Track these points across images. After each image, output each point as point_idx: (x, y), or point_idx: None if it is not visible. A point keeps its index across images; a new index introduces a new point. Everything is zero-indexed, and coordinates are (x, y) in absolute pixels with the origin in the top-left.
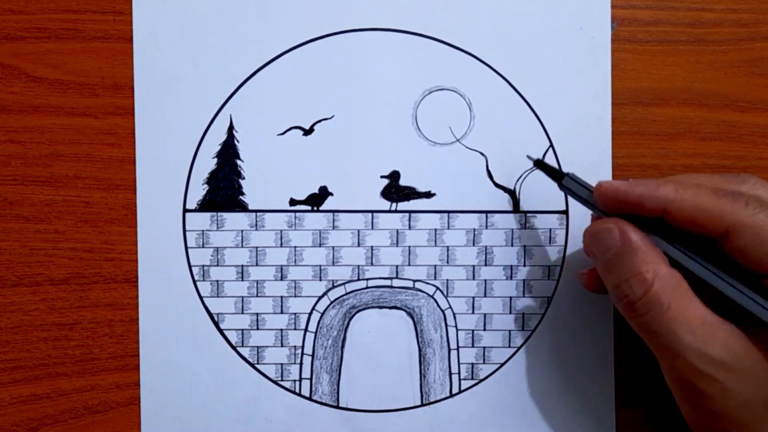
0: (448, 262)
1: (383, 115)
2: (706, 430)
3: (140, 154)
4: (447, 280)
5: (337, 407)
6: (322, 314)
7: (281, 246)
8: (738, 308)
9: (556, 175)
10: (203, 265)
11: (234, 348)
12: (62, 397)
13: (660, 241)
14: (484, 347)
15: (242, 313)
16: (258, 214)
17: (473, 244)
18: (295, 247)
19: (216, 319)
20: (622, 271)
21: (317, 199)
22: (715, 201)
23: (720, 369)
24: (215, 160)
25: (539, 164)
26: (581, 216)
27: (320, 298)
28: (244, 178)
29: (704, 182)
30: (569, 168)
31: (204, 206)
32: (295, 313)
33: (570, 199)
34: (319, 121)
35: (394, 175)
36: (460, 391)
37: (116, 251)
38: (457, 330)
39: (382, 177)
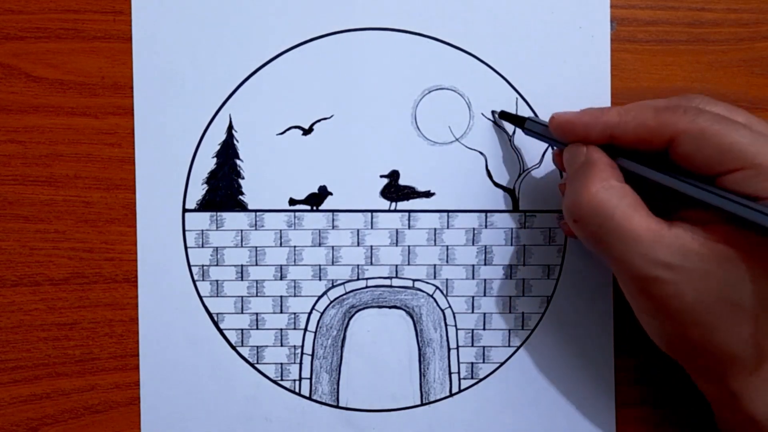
0: (447, 261)
1: (383, 115)
2: (666, 337)
3: (140, 153)
4: (446, 279)
5: (337, 407)
6: (322, 314)
7: (281, 246)
8: (689, 212)
9: (518, 120)
10: (203, 265)
11: (234, 348)
12: (62, 397)
13: (620, 160)
14: (484, 347)
15: (242, 312)
16: (257, 213)
17: (473, 244)
18: (295, 246)
19: (216, 318)
20: (576, 183)
21: (317, 199)
22: (656, 116)
23: (668, 271)
24: (215, 159)
25: (503, 115)
26: None
27: (320, 297)
28: (243, 178)
29: (647, 103)
30: None
31: (203, 206)
32: (294, 313)
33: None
34: (319, 120)
35: (394, 175)
36: (460, 391)
37: (116, 251)
38: (456, 329)
39: (381, 176)
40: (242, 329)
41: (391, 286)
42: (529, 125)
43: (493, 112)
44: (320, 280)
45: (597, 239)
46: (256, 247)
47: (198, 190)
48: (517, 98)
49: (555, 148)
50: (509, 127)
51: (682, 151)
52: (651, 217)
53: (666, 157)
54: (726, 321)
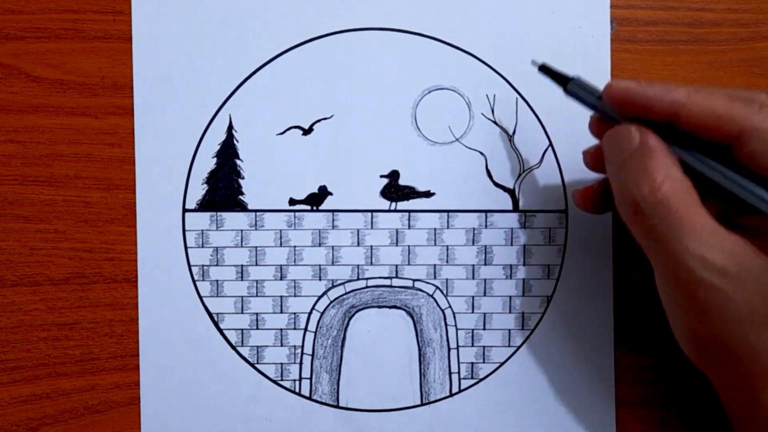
0: (447, 261)
1: (383, 115)
2: (701, 343)
3: (140, 153)
4: (447, 279)
5: (337, 407)
6: (322, 314)
7: (281, 246)
8: (750, 211)
9: (561, 79)
10: (203, 265)
11: (234, 348)
12: (62, 397)
13: (675, 149)
14: (484, 346)
15: (242, 312)
16: (257, 213)
17: (473, 244)
18: (295, 246)
19: (216, 318)
20: (635, 170)
21: (317, 199)
22: (728, 105)
23: (722, 276)
24: (215, 159)
25: (543, 69)
26: (581, 215)
27: (320, 297)
28: (243, 178)
29: (719, 89)
30: (569, 168)
31: (203, 206)
32: (294, 313)
33: (570, 198)
34: (319, 120)
35: (394, 175)
36: (460, 391)
37: (116, 251)
38: (456, 329)
39: (381, 176)
40: (242, 329)
41: (391, 286)
42: (573, 87)
43: (533, 62)
44: (320, 280)
45: (654, 233)
46: (256, 247)
47: (198, 190)
48: (517, 98)
49: (596, 116)
50: (509, 126)
51: (750, 149)
52: (711, 218)
53: (726, 152)
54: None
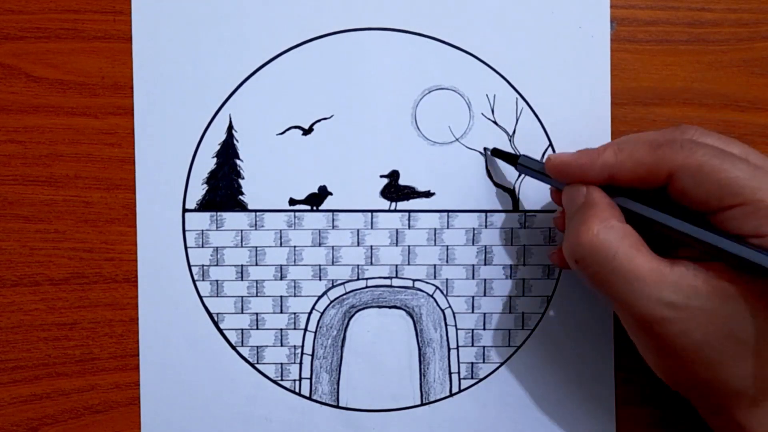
0: (447, 261)
1: (382, 115)
2: (672, 373)
3: (140, 153)
4: (447, 279)
5: (337, 407)
6: (322, 314)
7: (281, 246)
8: (690, 249)
9: (511, 158)
10: (203, 265)
11: (234, 348)
12: (62, 397)
13: (619, 200)
14: (484, 346)
15: (242, 312)
16: (257, 213)
17: (473, 244)
18: (295, 246)
19: (216, 318)
20: (576, 223)
21: (317, 199)
22: (652, 153)
23: (673, 310)
24: (215, 159)
25: (495, 153)
26: None
27: (320, 297)
28: (243, 178)
29: (642, 138)
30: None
31: (203, 206)
32: (294, 313)
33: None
34: (319, 120)
35: (394, 175)
36: (460, 391)
37: (116, 251)
38: (456, 329)
39: (381, 176)
40: (242, 329)
41: (391, 286)
42: (524, 161)
43: (485, 149)
44: (320, 280)
45: (599, 280)
46: (256, 247)
47: (198, 190)
48: (517, 98)
49: (551, 186)
50: (509, 126)
51: (680, 187)
52: (653, 256)
53: (666, 194)
54: (730, 357)
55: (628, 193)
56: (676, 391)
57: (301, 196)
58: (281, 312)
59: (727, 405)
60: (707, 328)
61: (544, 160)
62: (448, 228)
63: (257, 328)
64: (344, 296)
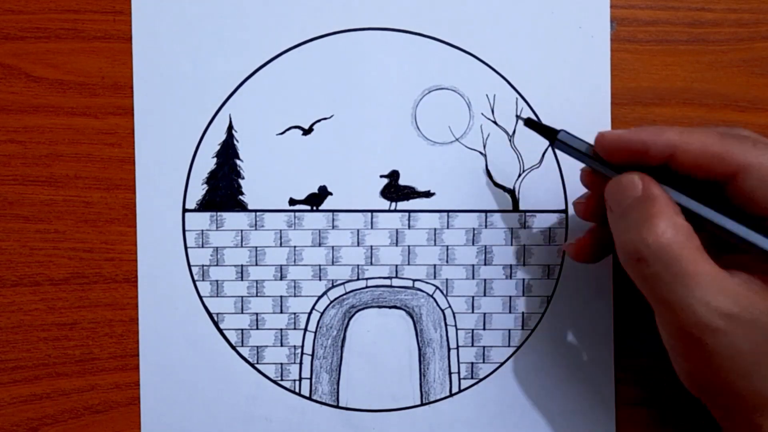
0: (447, 261)
1: (382, 115)
2: (703, 381)
3: (140, 153)
4: (446, 279)
5: (337, 407)
6: (322, 314)
7: (281, 246)
8: (750, 251)
9: (548, 133)
10: (203, 265)
11: (234, 348)
12: (62, 397)
13: (676, 194)
14: (484, 346)
15: (242, 312)
16: (257, 213)
17: (473, 244)
18: (295, 246)
19: (216, 318)
20: (638, 219)
21: (317, 199)
22: (723, 143)
23: (727, 320)
24: (215, 159)
25: (529, 123)
26: None
27: (320, 297)
28: (243, 178)
29: (710, 128)
30: (569, 168)
31: (203, 206)
32: (294, 313)
33: (570, 198)
34: (319, 120)
35: (394, 175)
36: (460, 391)
37: (116, 251)
38: (456, 329)
39: (381, 176)
40: (242, 329)
41: (391, 286)
42: (564, 138)
43: (518, 116)
44: (320, 280)
45: (657, 281)
46: (256, 247)
47: (198, 190)
48: (517, 98)
49: (588, 166)
50: (509, 126)
51: (746, 186)
52: (712, 262)
53: (721, 191)
54: None
55: (680, 186)
56: (683, 391)
57: (301, 196)
58: (281, 312)
59: (751, 412)
60: (756, 340)
61: (596, 138)
62: (448, 228)
63: (257, 328)
64: (344, 296)
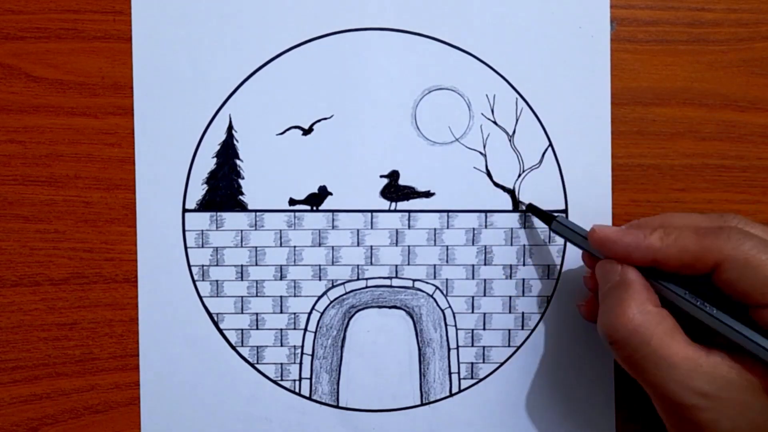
0: (447, 261)
1: (382, 115)
2: None
3: (140, 153)
4: (446, 279)
5: (337, 407)
6: (322, 314)
7: (281, 246)
8: (727, 340)
9: (546, 218)
10: (203, 265)
11: (234, 348)
12: (62, 397)
13: (655, 283)
14: (484, 347)
15: (242, 312)
16: (257, 213)
17: (473, 244)
18: (295, 246)
19: (216, 319)
20: (611, 304)
21: (316, 199)
22: (698, 241)
23: (705, 399)
24: (214, 159)
25: (531, 209)
26: (581, 215)
27: (320, 297)
28: (243, 178)
29: (688, 222)
30: (569, 168)
31: (203, 206)
32: (294, 313)
33: (570, 198)
34: (319, 120)
35: (394, 175)
36: (460, 391)
37: (116, 251)
38: (456, 329)
39: (381, 176)
40: (242, 329)
41: (391, 286)
42: (557, 227)
43: (520, 202)
44: (320, 280)
45: (633, 363)
46: (256, 247)
47: (198, 190)
48: (517, 98)
49: (583, 250)
50: (509, 126)
51: (725, 278)
52: (688, 343)
53: (708, 279)
54: None
55: (670, 276)
56: None
57: (301, 196)
58: (281, 312)
59: None
60: (737, 419)
61: (588, 231)
62: (448, 228)
63: (257, 328)
64: (344, 296)
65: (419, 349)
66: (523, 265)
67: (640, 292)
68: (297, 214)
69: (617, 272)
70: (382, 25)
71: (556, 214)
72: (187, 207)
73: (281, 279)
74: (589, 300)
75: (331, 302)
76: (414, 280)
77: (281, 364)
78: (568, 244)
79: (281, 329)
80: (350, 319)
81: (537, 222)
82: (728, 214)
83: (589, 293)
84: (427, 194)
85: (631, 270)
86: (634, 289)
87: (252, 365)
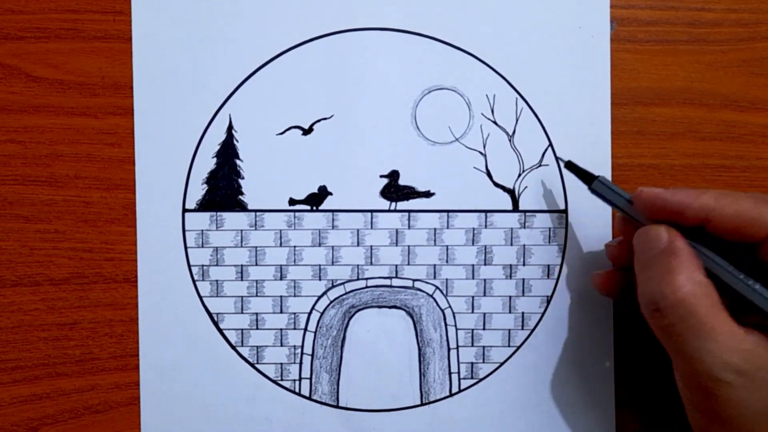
0: (447, 261)
1: (382, 115)
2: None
3: (140, 153)
4: (446, 279)
5: (337, 407)
6: (322, 314)
7: (281, 246)
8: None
9: (587, 177)
10: (203, 265)
11: (234, 348)
12: (62, 397)
13: (701, 252)
14: (484, 346)
15: (242, 312)
16: (257, 213)
17: (473, 244)
18: (295, 246)
19: (215, 318)
20: (659, 270)
21: (316, 199)
22: (755, 208)
23: (740, 377)
24: (214, 159)
25: (570, 166)
26: (581, 215)
27: (320, 297)
28: (243, 178)
29: (743, 193)
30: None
31: (203, 206)
32: (294, 313)
33: (570, 198)
34: (319, 120)
35: (394, 175)
36: (460, 391)
37: (116, 251)
38: (456, 329)
39: (381, 176)
40: (242, 329)
41: (391, 286)
42: (598, 186)
43: (558, 158)
44: (320, 280)
45: (674, 332)
46: (256, 247)
47: (198, 190)
48: (517, 98)
49: (622, 215)
50: (509, 126)
51: None
52: (731, 320)
53: (753, 251)
54: None
55: (713, 244)
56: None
57: (301, 196)
58: (281, 312)
59: None
60: (765, 400)
61: (634, 193)
62: (448, 228)
63: (257, 328)
64: (344, 296)
65: (419, 349)
66: (523, 265)
67: (689, 260)
68: (297, 214)
69: (664, 239)
70: (382, 25)
71: (596, 175)
72: (187, 207)
73: (281, 279)
74: (608, 272)
75: (331, 302)
76: (414, 280)
77: (281, 364)
78: (568, 242)
79: (281, 329)
80: (350, 319)
81: (537, 222)
82: None
83: (610, 266)
84: (427, 194)
85: (679, 237)
86: (683, 256)
87: (252, 365)
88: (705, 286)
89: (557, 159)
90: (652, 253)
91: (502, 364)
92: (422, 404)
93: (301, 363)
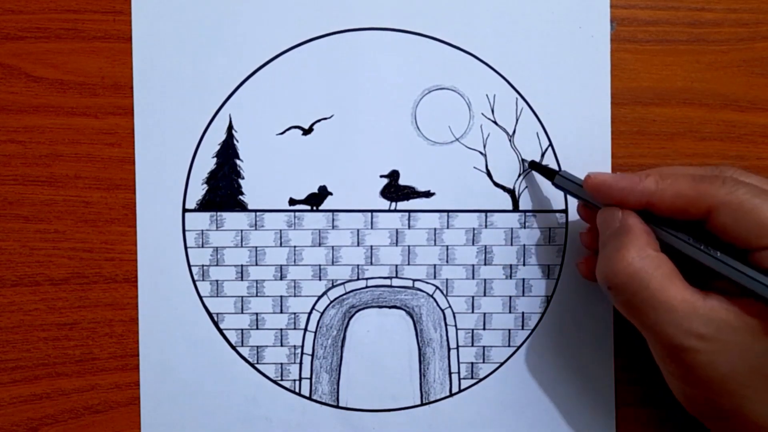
0: (447, 261)
1: (382, 115)
2: (695, 402)
3: (140, 153)
4: (446, 279)
5: (337, 407)
6: (322, 314)
7: (281, 246)
8: (725, 282)
9: (549, 173)
10: (203, 265)
11: (234, 348)
12: (62, 397)
13: (654, 228)
14: (484, 346)
15: (242, 312)
16: (257, 213)
17: (473, 244)
18: (295, 246)
19: (216, 318)
20: (611, 249)
21: (316, 199)
22: (694, 186)
23: (702, 342)
24: (214, 159)
25: (533, 165)
26: None
27: (320, 297)
28: (243, 178)
29: (684, 171)
30: (569, 168)
31: (203, 206)
32: (294, 313)
33: (570, 198)
34: (319, 120)
35: (394, 175)
36: (460, 391)
37: (116, 251)
38: (456, 329)
39: (381, 176)
40: (242, 329)
41: (391, 286)
42: (559, 181)
43: (523, 160)
44: (320, 280)
45: (631, 307)
46: (256, 247)
47: (198, 190)
48: (517, 98)
49: (581, 202)
50: (509, 126)
51: (720, 223)
52: (686, 287)
53: (702, 226)
54: (757, 392)
55: (667, 222)
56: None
57: (301, 196)
58: (281, 312)
59: None
60: (735, 361)
61: (583, 178)
62: (448, 228)
63: (257, 328)
64: (344, 296)
65: (419, 349)
66: (523, 265)
67: (639, 237)
68: (297, 214)
69: (618, 218)
70: (383, 25)
71: (557, 171)
72: (187, 207)
73: (281, 279)
74: (588, 257)
75: (331, 302)
76: (414, 280)
77: (281, 364)
78: (568, 242)
79: (281, 329)
80: (350, 319)
81: (537, 222)
82: (724, 165)
83: (587, 251)
84: (427, 194)
85: (631, 215)
86: (634, 233)
87: (252, 365)
88: (655, 259)
89: (523, 160)
90: (608, 233)
91: (502, 364)
92: (422, 404)
93: (301, 363)
